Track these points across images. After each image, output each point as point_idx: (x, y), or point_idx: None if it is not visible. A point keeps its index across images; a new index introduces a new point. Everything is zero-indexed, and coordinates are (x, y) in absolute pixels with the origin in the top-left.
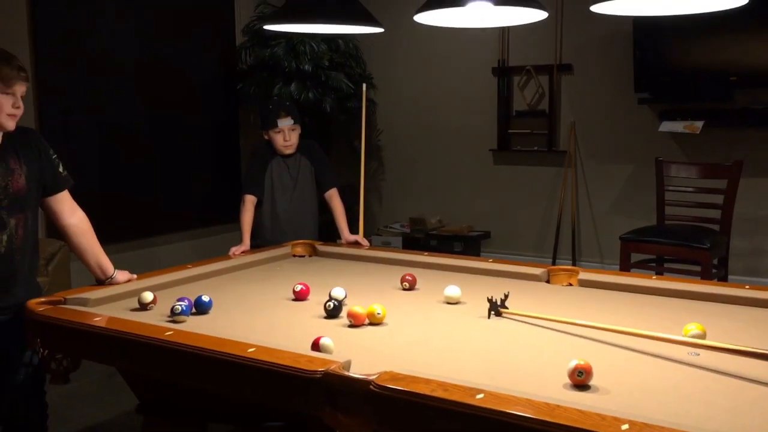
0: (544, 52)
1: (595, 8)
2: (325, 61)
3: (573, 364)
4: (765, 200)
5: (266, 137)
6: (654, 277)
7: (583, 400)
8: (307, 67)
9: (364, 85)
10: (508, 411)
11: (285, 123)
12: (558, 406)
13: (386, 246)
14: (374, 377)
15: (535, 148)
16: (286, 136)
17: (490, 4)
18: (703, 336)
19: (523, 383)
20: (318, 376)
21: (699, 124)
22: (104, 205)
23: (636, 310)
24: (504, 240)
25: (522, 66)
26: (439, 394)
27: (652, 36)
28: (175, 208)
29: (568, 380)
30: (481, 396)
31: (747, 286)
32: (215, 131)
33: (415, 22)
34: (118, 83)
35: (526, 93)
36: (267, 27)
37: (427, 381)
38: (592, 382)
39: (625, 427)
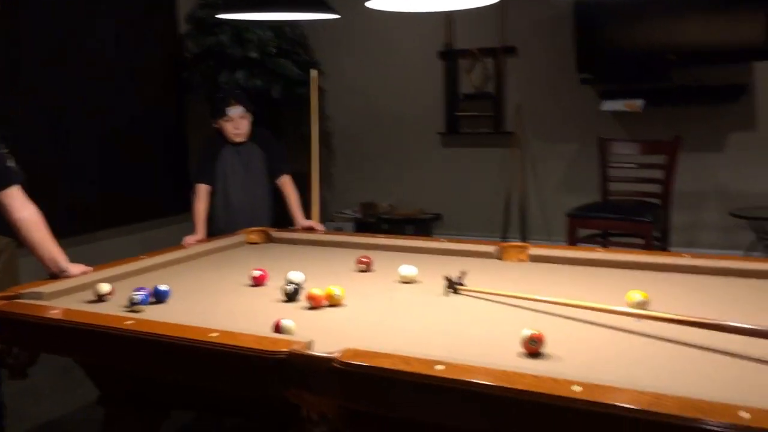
0: (488, 36)
1: None
2: (271, 48)
3: (526, 333)
4: (703, 174)
5: (216, 126)
6: (599, 250)
7: (537, 366)
8: (253, 54)
9: (314, 71)
10: (467, 380)
11: (235, 111)
12: (514, 372)
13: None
14: (337, 354)
15: (483, 130)
16: (237, 124)
17: None
18: (645, 301)
19: (481, 354)
20: (282, 356)
21: (639, 103)
22: (45, 199)
23: (584, 282)
24: (455, 221)
25: (467, 49)
26: (400, 367)
27: (592, 18)
28: (120, 201)
29: (522, 349)
30: (441, 367)
31: (685, 255)
32: (160, 121)
33: (363, 8)
34: (58, 73)
35: (472, 76)
36: (220, 16)
37: (389, 356)
38: (545, 350)
39: (576, 388)
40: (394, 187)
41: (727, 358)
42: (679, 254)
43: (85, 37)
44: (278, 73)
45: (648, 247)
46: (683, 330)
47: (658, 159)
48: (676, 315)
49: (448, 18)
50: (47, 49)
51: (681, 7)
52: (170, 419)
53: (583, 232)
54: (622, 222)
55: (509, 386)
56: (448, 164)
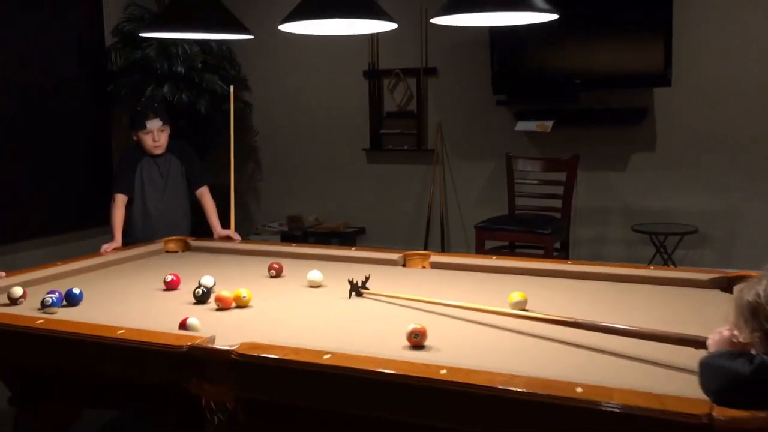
0: (411, 57)
1: (436, 20)
2: (198, 63)
3: (410, 327)
4: (608, 191)
5: (135, 138)
6: (492, 258)
7: (417, 356)
8: (179, 69)
9: (232, 87)
10: (350, 366)
11: (153, 124)
12: (392, 360)
13: None
14: (235, 347)
15: (406, 147)
16: (155, 136)
17: (344, 17)
18: (523, 301)
19: (370, 347)
20: (184, 350)
21: (549, 123)
22: None
23: (475, 285)
24: (378, 234)
25: (391, 69)
26: (291, 357)
27: (506, 43)
28: (43, 211)
29: (407, 343)
30: (328, 356)
31: (567, 262)
32: (85, 133)
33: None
34: None
35: (395, 95)
36: (143, 34)
37: (281, 347)
38: (428, 343)
39: (443, 371)
40: (321, 201)
41: (572, 348)
42: (560, 261)
43: (10, 48)
44: (205, 87)
45: (548, 257)
46: (545, 326)
47: (560, 176)
48: (539, 314)
49: (372, 39)
50: None
51: (589, 36)
52: (81, 421)
53: (492, 243)
54: (525, 234)
55: (385, 370)
56: (373, 179)
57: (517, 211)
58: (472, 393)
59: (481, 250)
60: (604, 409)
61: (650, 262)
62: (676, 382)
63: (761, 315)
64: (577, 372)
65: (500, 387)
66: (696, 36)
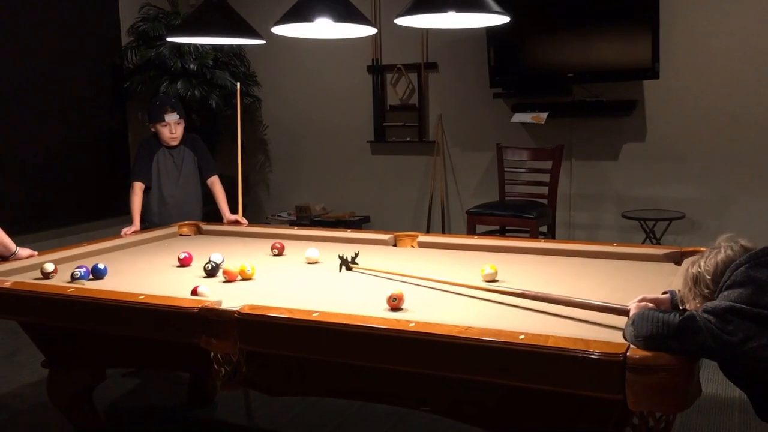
0: (412, 52)
1: (399, 20)
2: (209, 60)
3: (389, 292)
4: (601, 179)
5: (153, 130)
6: (472, 237)
7: (394, 315)
8: (192, 66)
9: (238, 84)
10: (333, 321)
11: (171, 117)
12: (369, 317)
13: None
14: (238, 308)
15: (408, 139)
16: (172, 129)
17: (330, 21)
18: (494, 273)
19: (355, 311)
20: (195, 311)
21: (544, 115)
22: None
23: (455, 260)
24: (382, 222)
25: (393, 65)
26: (284, 314)
27: (502, 38)
28: (67, 201)
29: (387, 306)
30: (316, 314)
31: (541, 240)
32: (104, 127)
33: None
34: (9, 85)
35: (398, 89)
36: (170, 39)
37: (277, 308)
38: (405, 307)
39: (411, 324)
40: (327, 192)
41: (520, 309)
42: (535, 240)
43: (34, 49)
44: (216, 83)
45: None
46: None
47: (547, 164)
48: (491, 287)
49: (375, 36)
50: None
51: (581, 31)
52: (105, 383)
53: (484, 228)
54: (511, 218)
55: (362, 324)
56: (377, 170)
57: (506, 198)
58: (435, 341)
59: (472, 234)
60: (540, 350)
61: None
62: (601, 336)
63: (701, 283)
64: (524, 327)
65: (457, 335)
66: (683, 29)
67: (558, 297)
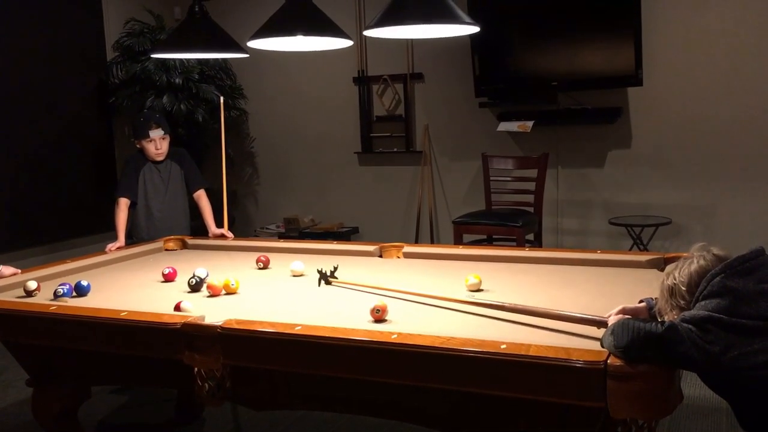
0: (398, 63)
1: (368, 32)
2: (195, 74)
3: (373, 304)
4: (588, 187)
5: (138, 146)
6: (457, 247)
7: (378, 327)
8: (177, 80)
9: (222, 98)
10: (316, 334)
11: (156, 133)
12: (352, 329)
13: None
14: (221, 323)
15: (395, 149)
16: (158, 144)
17: (304, 34)
18: (478, 282)
19: (338, 322)
20: (178, 326)
21: (530, 124)
22: None
23: (440, 271)
24: (371, 233)
25: (380, 75)
26: (267, 328)
27: (487, 48)
28: (52, 218)
29: (371, 318)
30: (299, 327)
31: (527, 248)
32: (90, 143)
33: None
34: None
35: (384, 100)
36: (154, 55)
37: (260, 322)
38: (388, 318)
39: (394, 336)
40: (316, 203)
41: (502, 321)
42: (519, 248)
43: (18, 63)
44: (202, 97)
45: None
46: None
47: (532, 173)
48: (470, 300)
49: (360, 47)
50: None
51: (564, 40)
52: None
53: (471, 237)
54: (498, 227)
55: (344, 337)
56: (365, 181)
57: (493, 206)
58: (417, 352)
59: (459, 243)
60: (522, 360)
61: None
62: (583, 345)
63: (677, 294)
64: (506, 337)
65: (439, 346)
66: (665, 37)
67: (537, 309)
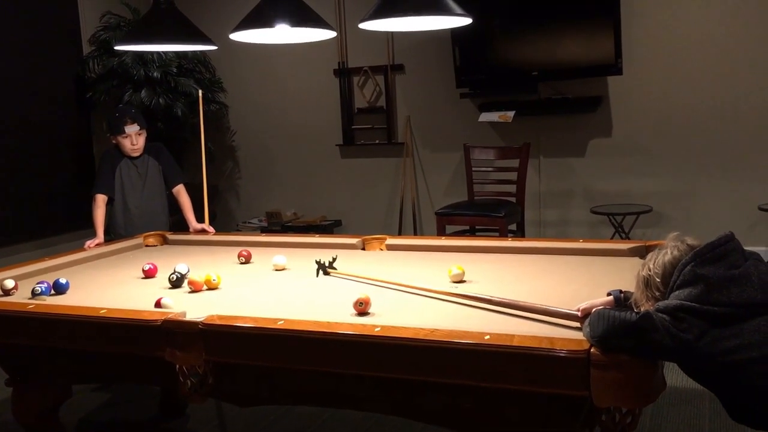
0: (378, 55)
1: (363, 25)
2: (173, 68)
3: (356, 297)
4: (569, 176)
5: (114, 141)
6: (439, 238)
7: (361, 320)
8: (155, 74)
9: (200, 92)
10: (299, 329)
11: (132, 129)
12: (335, 323)
13: None
14: (202, 319)
15: (377, 141)
16: (134, 140)
17: (287, 26)
18: (461, 273)
19: (322, 316)
20: (158, 323)
21: (511, 114)
22: None
23: (423, 263)
24: (354, 226)
25: (360, 67)
26: (249, 323)
27: (467, 39)
28: (29, 215)
29: (354, 311)
30: (281, 322)
31: (510, 238)
32: (67, 139)
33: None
34: None
35: (365, 92)
36: (118, 47)
37: (242, 317)
38: (372, 311)
39: (377, 329)
40: (298, 197)
41: (486, 311)
42: (500, 238)
43: None
44: (181, 91)
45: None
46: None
47: (514, 163)
48: (449, 292)
49: (341, 38)
50: None
51: (544, 29)
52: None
53: (454, 228)
54: (480, 218)
55: (328, 330)
56: (347, 173)
57: (475, 197)
58: (401, 345)
59: (442, 234)
60: (506, 350)
61: None
62: (566, 334)
63: (652, 285)
64: (490, 328)
65: (423, 338)
66: (644, 25)
67: (509, 301)
